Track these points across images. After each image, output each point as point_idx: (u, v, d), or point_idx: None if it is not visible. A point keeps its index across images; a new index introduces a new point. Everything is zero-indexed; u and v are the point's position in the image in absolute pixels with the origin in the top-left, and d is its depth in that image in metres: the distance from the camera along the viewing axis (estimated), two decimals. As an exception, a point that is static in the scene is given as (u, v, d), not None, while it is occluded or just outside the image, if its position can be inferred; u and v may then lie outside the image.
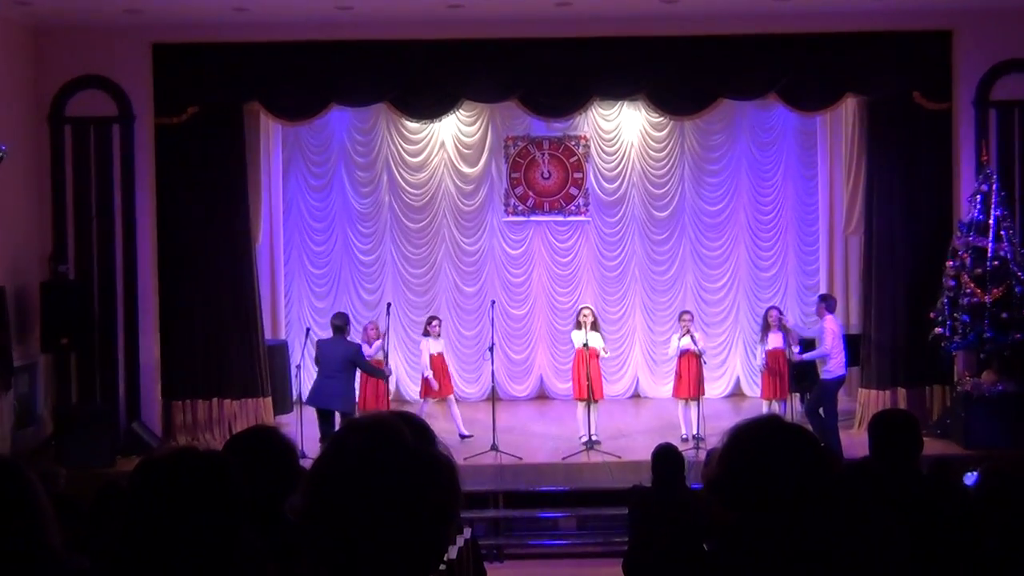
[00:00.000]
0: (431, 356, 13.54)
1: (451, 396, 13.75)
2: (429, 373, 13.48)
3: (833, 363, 12.63)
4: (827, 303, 13.05)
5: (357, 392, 12.77)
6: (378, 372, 12.62)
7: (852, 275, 15.99)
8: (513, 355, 16.61)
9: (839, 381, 12.84)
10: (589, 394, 12.99)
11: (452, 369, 15.58)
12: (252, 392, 13.84)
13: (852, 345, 13.79)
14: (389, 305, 14.20)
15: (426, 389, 13.61)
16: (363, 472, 1.95)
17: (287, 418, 14.35)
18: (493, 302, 14.32)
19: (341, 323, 12.61)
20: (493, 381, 13.58)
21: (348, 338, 12.57)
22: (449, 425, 13.40)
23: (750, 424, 2.38)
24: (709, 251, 16.77)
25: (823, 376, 12.80)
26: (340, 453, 2.00)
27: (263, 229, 14.98)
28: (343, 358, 12.34)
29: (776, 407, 13.33)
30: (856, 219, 14.63)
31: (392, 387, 14.38)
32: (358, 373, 12.78)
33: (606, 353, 13.34)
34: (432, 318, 13.91)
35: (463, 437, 13.24)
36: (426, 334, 13.63)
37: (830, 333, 12.64)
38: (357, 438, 2.01)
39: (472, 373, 16.45)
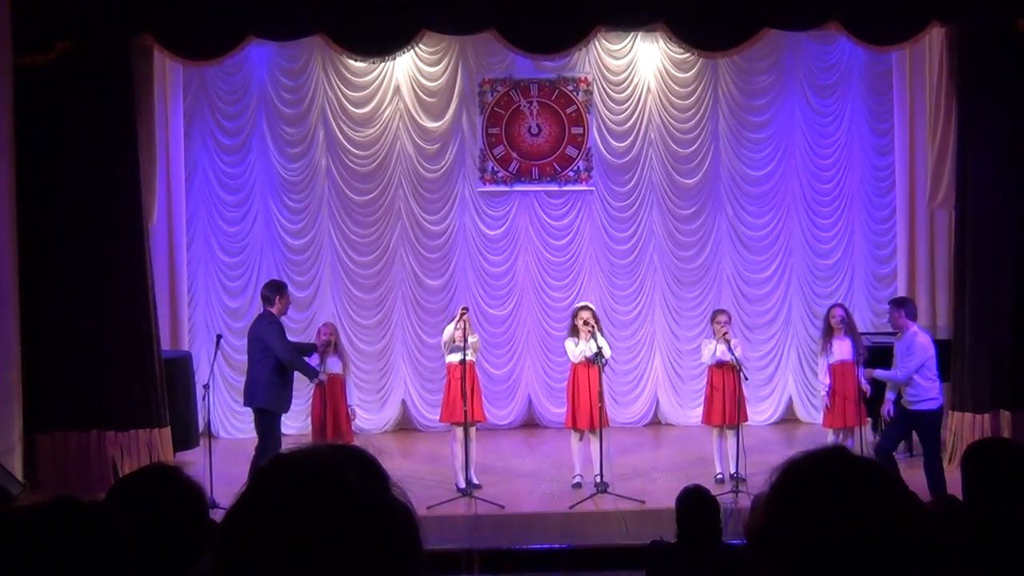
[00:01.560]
0: (450, 365, 13.43)
1: (473, 427, 13.32)
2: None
3: (927, 388, 12.45)
4: (906, 308, 12.68)
5: (303, 395, 13.05)
6: (305, 368, 12.65)
7: (939, 263, 16.05)
8: (492, 370, 16.62)
9: (937, 414, 12.62)
10: (602, 419, 12.98)
11: (418, 386, 15.67)
12: (144, 421, 13.78)
13: (939, 355, 13.83)
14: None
15: (444, 411, 13.56)
16: (292, 527, 1.94)
17: (192, 455, 14.31)
18: (465, 309, 13.88)
19: (268, 292, 12.79)
20: (465, 403, 13.57)
21: (267, 312, 12.70)
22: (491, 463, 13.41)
23: (807, 459, 2.37)
24: (751, 231, 16.82)
25: (916, 406, 12.36)
26: (261, 501, 1.99)
27: (159, 205, 14.91)
28: (255, 337, 12.59)
29: (842, 438, 13.36)
30: (945, 188, 14.67)
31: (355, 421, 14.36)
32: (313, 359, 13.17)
33: (602, 360, 13.11)
34: (464, 310, 13.64)
35: (462, 491, 13.11)
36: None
37: (921, 352, 12.30)
38: (283, 481, 2.00)
39: (437, 394, 16.44)
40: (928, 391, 12.29)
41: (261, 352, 12.51)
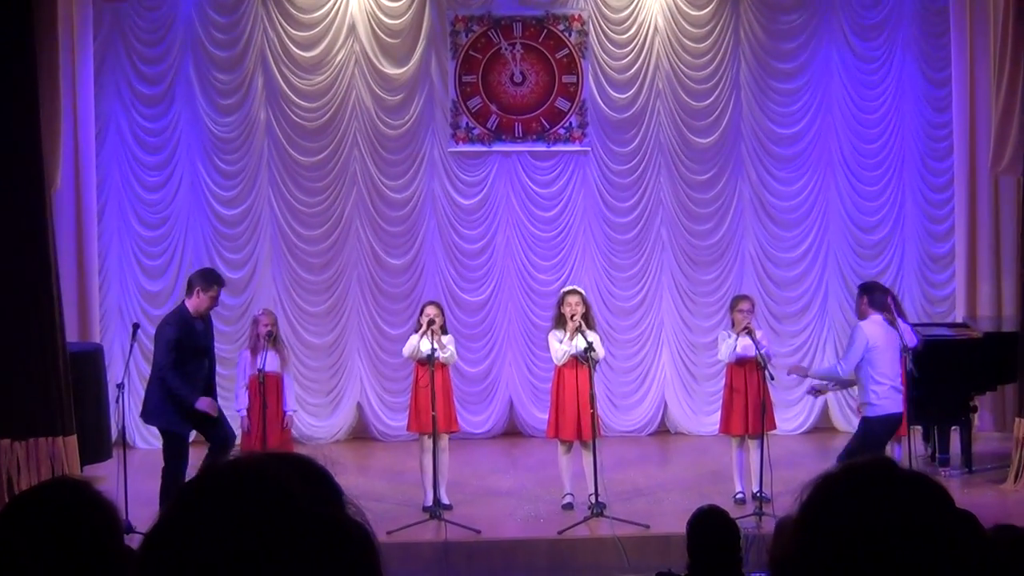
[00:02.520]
0: (417, 366, 13.41)
1: (445, 437, 13.38)
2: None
3: (875, 393, 12.62)
4: (872, 296, 12.87)
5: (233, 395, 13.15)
6: (181, 392, 12.50)
7: (1006, 240, 16.08)
8: (466, 368, 16.62)
9: (890, 422, 12.80)
10: (594, 429, 12.99)
11: (377, 387, 15.70)
12: (46, 428, 13.74)
13: (1002, 350, 13.87)
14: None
15: (411, 419, 13.55)
16: (225, 553, 1.94)
17: (103, 468, 14.28)
18: (431, 321, 13.71)
19: (192, 280, 12.88)
20: (433, 409, 13.56)
21: (180, 306, 12.79)
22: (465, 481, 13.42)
23: (845, 474, 2.38)
24: (779, 200, 16.85)
25: (866, 412, 12.76)
26: (187, 523, 1.99)
27: (63, 167, 14.85)
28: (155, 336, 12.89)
29: (888, 450, 13.41)
30: (1011, 151, 14.70)
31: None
32: (242, 386, 13.44)
33: (593, 354, 13.09)
34: (427, 304, 13.64)
35: (429, 510, 13.11)
36: (417, 329, 13.46)
37: (863, 343, 12.58)
38: (214, 498, 2.00)
39: (399, 396, 16.46)
40: (871, 395, 12.60)
41: (153, 361, 12.65)
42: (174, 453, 12.56)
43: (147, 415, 12.88)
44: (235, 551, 1.94)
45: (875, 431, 12.58)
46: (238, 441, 13.45)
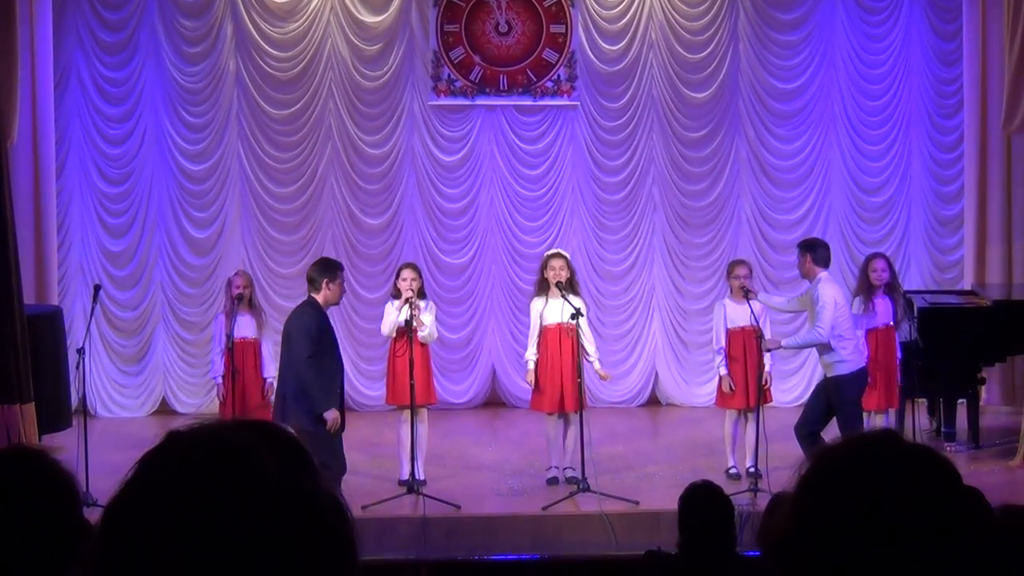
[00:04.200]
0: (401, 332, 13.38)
1: (423, 412, 13.43)
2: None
3: (845, 349, 12.72)
4: (815, 253, 12.88)
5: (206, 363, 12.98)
6: (319, 397, 11.87)
7: (1017, 203, 16.12)
8: (447, 334, 16.61)
9: (861, 377, 12.89)
10: (582, 400, 13.02)
11: (352, 354, 15.68)
12: (1, 395, 13.76)
13: (1012, 319, 13.90)
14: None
15: (390, 390, 13.56)
16: (189, 524, 1.93)
17: (62, 437, 14.27)
18: (409, 298, 13.60)
19: (313, 273, 12.24)
20: (411, 378, 13.58)
21: (311, 299, 12.13)
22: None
23: (846, 447, 2.38)
24: (778, 159, 16.86)
25: (832, 372, 12.73)
26: (149, 493, 1.98)
27: (21, 119, 14.81)
28: (284, 333, 12.23)
29: (884, 421, 13.46)
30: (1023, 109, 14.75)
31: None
32: (217, 351, 13.44)
33: (575, 319, 13.10)
34: (403, 267, 13.63)
35: (405, 483, 13.11)
36: (395, 296, 13.43)
37: (831, 301, 12.62)
38: (179, 466, 1.99)
39: (377, 364, 16.47)
40: (841, 352, 12.61)
41: (287, 353, 12.03)
42: (327, 457, 11.67)
43: (282, 413, 11.95)
44: (200, 523, 1.93)
45: (849, 390, 12.61)
46: (213, 406, 13.42)
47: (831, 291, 12.62)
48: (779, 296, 13.66)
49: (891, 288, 13.59)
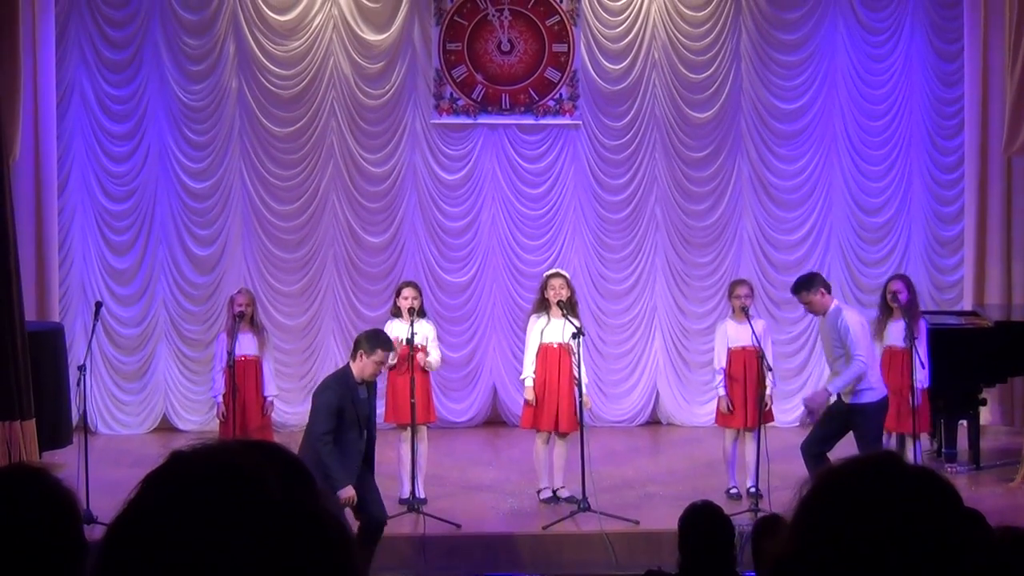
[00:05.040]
0: (401, 350, 13.38)
1: (423, 430, 13.42)
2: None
3: (872, 376, 12.51)
4: (819, 284, 12.66)
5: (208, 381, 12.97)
6: (333, 472, 11.16)
7: (1017, 224, 16.11)
8: (447, 352, 16.58)
9: (884, 406, 12.72)
10: (581, 419, 13.00)
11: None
12: (2, 412, 13.72)
13: (1013, 340, 13.89)
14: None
15: (389, 409, 13.56)
16: (192, 545, 1.93)
17: (63, 455, 14.26)
18: (411, 309, 13.51)
19: (357, 340, 11.79)
20: (412, 396, 13.57)
21: (345, 367, 11.71)
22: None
23: (848, 468, 2.38)
24: (780, 179, 16.85)
25: (857, 398, 12.45)
26: (152, 513, 1.98)
27: (23, 135, 14.81)
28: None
29: (894, 443, 13.45)
30: (1026, 129, 14.76)
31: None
32: (218, 370, 13.32)
33: (577, 339, 13.10)
34: (404, 285, 13.66)
35: (406, 502, 13.09)
36: (395, 314, 13.45)
37: (858, 326, 12.40)
38: (181, 487, 1.99)
39: (378, 383, 16.43)
40: (869, 378, 12.41)
41: (309, 423, 11.61)
42: None
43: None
44: (203, 544, 1.93)
45: (874, 419, 12.46)
46: (214, 424, 13.40)
47: (854, 316, 12.48)
48: (837, 374, 12.54)
49: (907, 310, 13.50)
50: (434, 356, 13.43)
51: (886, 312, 13.63)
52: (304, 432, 11.64)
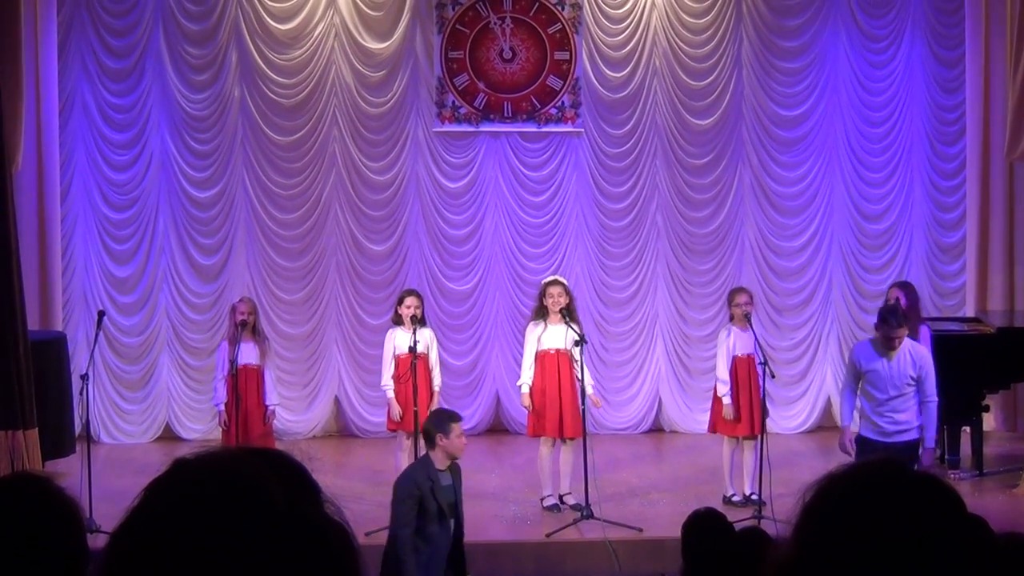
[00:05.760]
0: (397, 358, 13.52)
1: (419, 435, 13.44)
2: (388, 388, 13.51)
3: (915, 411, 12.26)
4: (903, 309, 12.30)
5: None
6: (408, 566, 10.50)
7: (1019, 228, 16.10)
8: (450, 360, 16.61)
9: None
10: (584, 425, 13.01)
11: (356, 380, 15.64)
12: (5, 421, 13.72)
13: (1016, 346, 13.89)
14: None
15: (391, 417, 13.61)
16: (195, 553, 1.93)
17: (66, 464, 14.26)
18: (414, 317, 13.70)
19: (429, 425, 11.01)
20: (415, 404, 13.58)
21: (425, 457, 10.91)
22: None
23: (852, 473, 2.37)
24: (781, 186, 16.85)
25: (901, 437, 11.86)
26: (155, 521, 1.98)
27: (25, 144, 14.81)
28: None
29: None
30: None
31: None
32: (220, 379, 13.31)
33: (579, 346, 13.11)
34: (407, 293, 13.74)
35: None
36: (396, 322, 13.52)
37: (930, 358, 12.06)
38: (184, 495, 1.99)
39: (379, 390, 16.42)
40: (915, 415, 11.92)
41: (392, 511, 10.79)
42: None
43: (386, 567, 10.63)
44: (206, 552, 1.93)
45: (926, 459, 11.95)
46: (216, 434, 13.43)
47: (923, 347, 12.02)
48: (897, 412, 11.81)
49: (909, 317, 13.49)
50: (437, 381, 13.66)
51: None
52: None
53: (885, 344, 11.66)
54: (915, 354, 11.76)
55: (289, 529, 1.97)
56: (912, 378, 11.66)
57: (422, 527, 10.44)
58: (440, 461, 10.56)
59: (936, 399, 11.74)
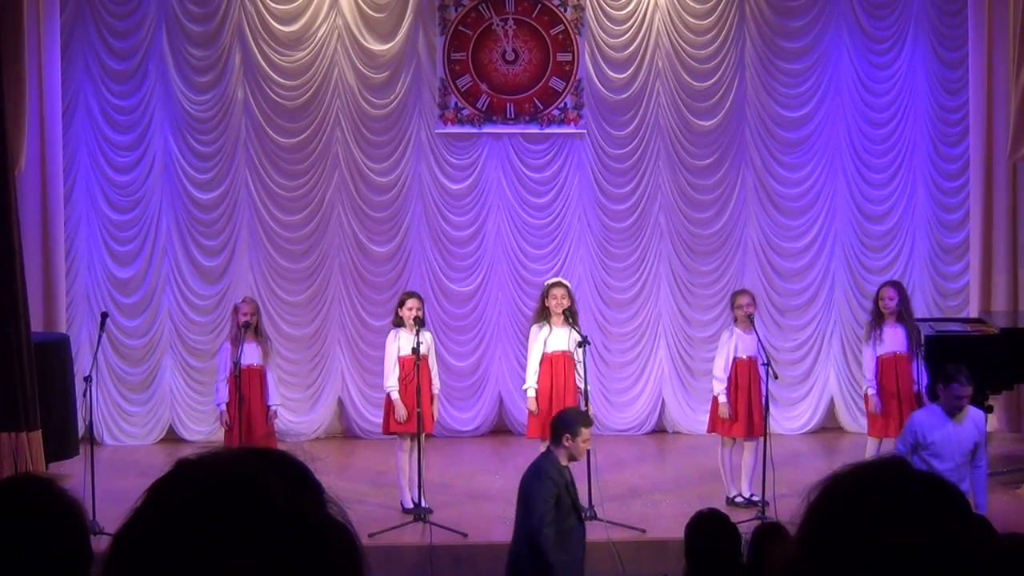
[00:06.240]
0: (401, 360, 13.47)
1: (422, 436, 13.41)
2: (393, 390, 13.47)
3: None
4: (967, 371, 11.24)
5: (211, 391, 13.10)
6: (545, 557, 10.21)
7: (1022, 229, 16.09)
8: (453, 362, 16.62)
9: None
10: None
11: (359, 380, 15.62)
12: (9, 423, 13.74)
13: (1019, 347, 13.88)
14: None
15: (390, 419, 13.59)
16: (198, 554, 1.92)
17: (69, 465, 14.27)
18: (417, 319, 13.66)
19: (558, 424, 10.83)
20: (418, 406, 13.56)
21: (550, 454, 10.66)
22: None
23: (857, 473, 2.37)
24: (784, 187, 16.85)
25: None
26: (157, 522, 1.97)
27: (28, 146, 14.82)
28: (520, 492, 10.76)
29: (894, 450, 13.42)
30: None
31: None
32: (222, 379, 13.34)
33: (582, 348, 13.09)
34: (408, 296, 13.75)
35: (415, 511, 13.06)
36: (397, 324, 13.53)
37: None
38: (187, 495, 1.98)
39: (383, 392, 16.42)
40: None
41: (522, 515, 10.53)
42: None
43: None
44: (209, 553, 1.92)
45: None
46: (218, 435, 13.45)
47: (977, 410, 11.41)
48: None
49: (901, 316, 13.58)
50: (436, 383, 13.62)
51: (878, 318, 13.64)
52: (515, 529, 10.54)
53: (953, 406, 10.92)
54: (976, 417, 11.10)
55: (292, 530, 1.96)
56: (975, 443, 11.02)
57: (560, 524, 10.23)
58: (562, 459, 10.41)
59: (986, 465, 11.16)
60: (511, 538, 10.42)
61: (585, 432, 10.44)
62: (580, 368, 13.20)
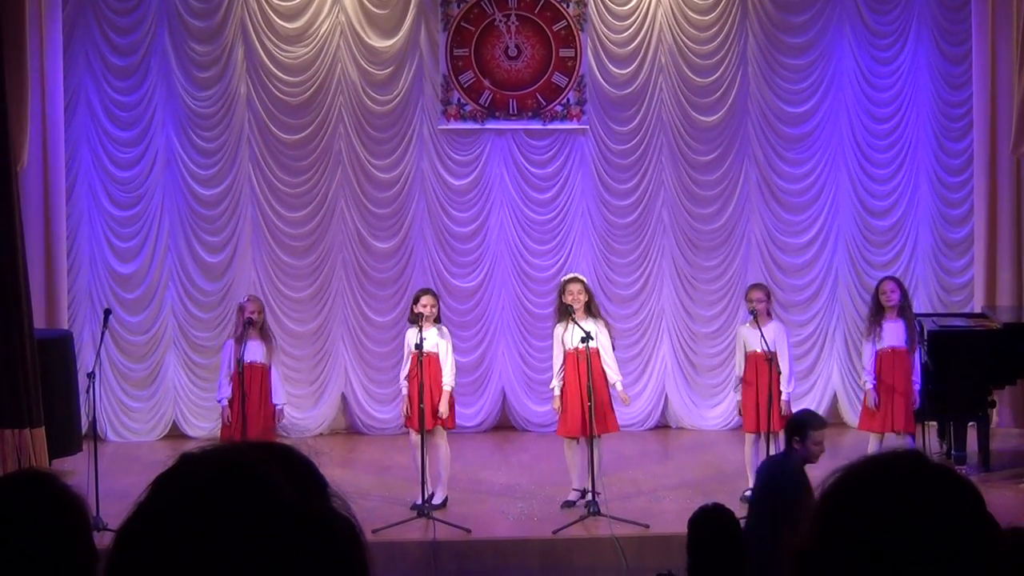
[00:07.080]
0: (411, 356, 13.44)
1: (442, 433, 13.47)
2: (403, 386, 13.51)
3: None
4: None
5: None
6: None
7: (1026, 224, 16.12)
8: (455, 357, 16.56)
9: None
10: (592, 423, 12.96)
11: (362, 377, 15.61)
12: (12, 420, 13.74)
13: (1022, 342, 13.88)
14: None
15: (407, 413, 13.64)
16: (202, 548, 1.91)
17: (73, 461, 14.27)
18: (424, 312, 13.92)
19: (793, 425, 10.71)
20: (421, 402, 13.55)
21: (787, 450, 10.62)
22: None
23: (871, 464, 2.35)
24: (787, 182, 16.85)
25: None
26: (161, 516, 1.96)
27: (31, 142, 14.81)
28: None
29: (895, 444, 13.40)
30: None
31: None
32: (225, 375, 13.39)
33: (586, 343, 13.04)
34: (422, 292, 13.73)
35: (420, 508, 13.06)
36: (413, 320, 13.52)
37: None
38: (191, 488, 1.97)
39: (386, 387, 16.47)
40: None
41: (768, 516, 10.08)
42: None
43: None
44: (213, 547, 1.91)
45: None
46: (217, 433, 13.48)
47: None
48: None
49: (903, 311, 13.58)
50: (447, 380, 13.45)
51: (879, 312, 13.64)
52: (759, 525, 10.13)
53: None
54: None
55: (297, 524, 1.95)
56: None
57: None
58: (805, 458, 10.24)
59: None
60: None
61: (815, 436, 10.22)
62: (609, 360, 13.19)
